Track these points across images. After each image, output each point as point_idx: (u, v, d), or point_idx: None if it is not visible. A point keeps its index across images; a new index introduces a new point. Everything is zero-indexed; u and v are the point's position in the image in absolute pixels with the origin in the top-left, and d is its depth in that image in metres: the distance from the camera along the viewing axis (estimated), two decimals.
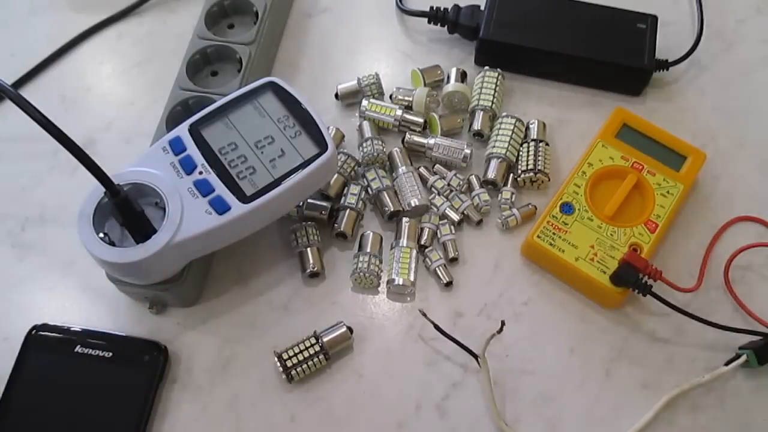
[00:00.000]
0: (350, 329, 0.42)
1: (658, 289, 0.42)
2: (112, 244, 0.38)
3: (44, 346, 0.42)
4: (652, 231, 0.44)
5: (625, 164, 0.46)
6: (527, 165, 0.47)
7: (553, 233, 0.44)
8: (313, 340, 0.41)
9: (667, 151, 0.47)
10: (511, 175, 0.48)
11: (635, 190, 0.46)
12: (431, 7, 0.54)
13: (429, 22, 0.55)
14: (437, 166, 0.49)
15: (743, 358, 0.41)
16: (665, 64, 0.52)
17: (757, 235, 0.47)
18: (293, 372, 0.41)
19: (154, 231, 0.38)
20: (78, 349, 0.41)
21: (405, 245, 0.45)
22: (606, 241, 0.44)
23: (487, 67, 0.51)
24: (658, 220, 0.44)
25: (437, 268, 0.45)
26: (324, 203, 0.46)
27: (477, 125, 0.49)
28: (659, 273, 0.42)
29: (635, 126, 0.48)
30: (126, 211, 0.37)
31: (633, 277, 0.42)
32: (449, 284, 0.45)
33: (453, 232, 0.46)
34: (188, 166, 0.39)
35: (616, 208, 0.45)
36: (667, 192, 0.45)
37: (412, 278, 0.44)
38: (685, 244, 0.46)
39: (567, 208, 0.45)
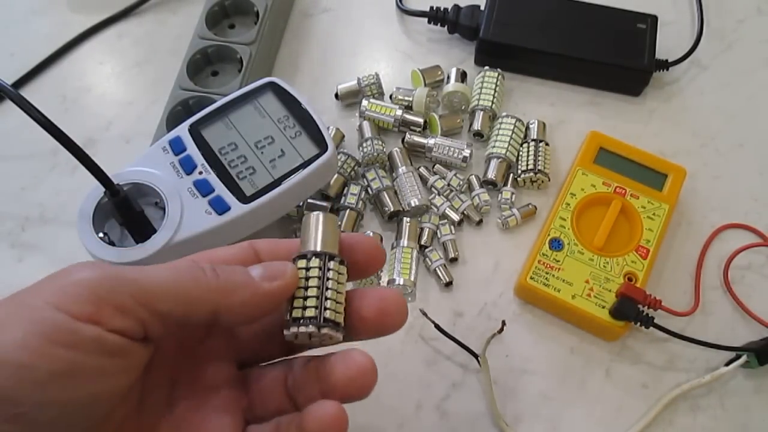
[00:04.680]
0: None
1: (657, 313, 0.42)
2: (111, 244, 0.38)
3: None
4: (645, 257, 0.43)
5: (608, 190, 0.46)
6: (527, 165, 0.47)
7: (546, 272, 0.43)
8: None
9: (647, 171, 0.46)
10: (511, 175, 0.48)
11: (621, 215, 0.45)
12: (431, 7, 0.54)
13: (429, 22, 0.55)
14: (437, 166, 0.49)
15: (743, 358, 0.41)
16: (665, 64, 0.52)
17: (751, 237, 0.47)
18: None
19: (154, 231, 0.38)
20: None
21: (406, 245, 0.45)
22: (600, 274, 0.43)
23: (487, 67, 0.51)
24: (649, 245, 0.44)
25: (437, 268, 0.45)
26: (324, 203, 0.46)
27: (477, 125, 0.49)
28: (659, 302, 0.42)
29: (612, 149, 0.47)
30: (126, 210, 0.38)
31: (633, 310, 0.41)
32: (449, 284, 0.45)
33: (453, 232, 0.46)
34: (188, 166, 0.39)
35: (605, 237, 0.44)
36: (653, 214, 0.45)
37: (412, 278, 0.44)
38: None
39: (556, 244, 0.44)
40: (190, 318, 0.24)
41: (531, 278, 0.43)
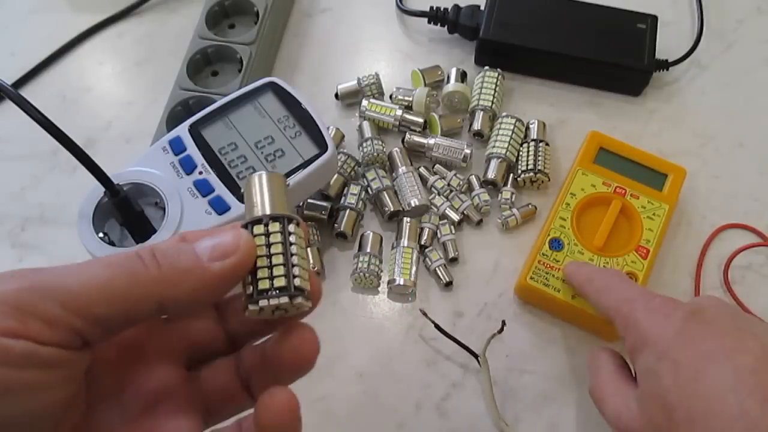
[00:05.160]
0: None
1: None
2: (111, 244, 0.38)
3: None
4: (645, 257, 0.43)
5: (608, 190, 0.45)
6: (527, 165, 0.47)
7: (546, 272, 0.43)
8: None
9: (647, 171, 0.46)
10: (511, 175, 0.48)
11: (621, 215, 0.45)
12: (431, 7, 0.54)
13: (429, 22, 0.55)
14: (437, 166, 0.48)
15: None
16: (665, 64, 0.52)
17: (751, 237, 0.47)
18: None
19: (154, 231, 0.38)
20: None
21: (406, 245, 0.45)
22: None
23: (487, 67, 0.51)
24: (649, 245, 0.44)
25: (437, 268, 0.45)
26: (324, 203, 0.46)
27: (477, 125, 0.49)
28: None
29: (612, 149, 0.47)
30: (126, 210, 0.37)
31: None
32: (449, 284, 0.45)
33: (453, 232, 0.46)
34: (188, 166, 0.39)
35: (605, 237, 0.44)
36: (653, 214, 0.45)
37: (413, 278, 0.44)
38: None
39: (556, 245, 0.44)
40: (132, 317, 0.21)
41: (531, 278, 0.43)
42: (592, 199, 0.45)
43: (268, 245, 0.23)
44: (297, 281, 0.22)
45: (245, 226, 0.23)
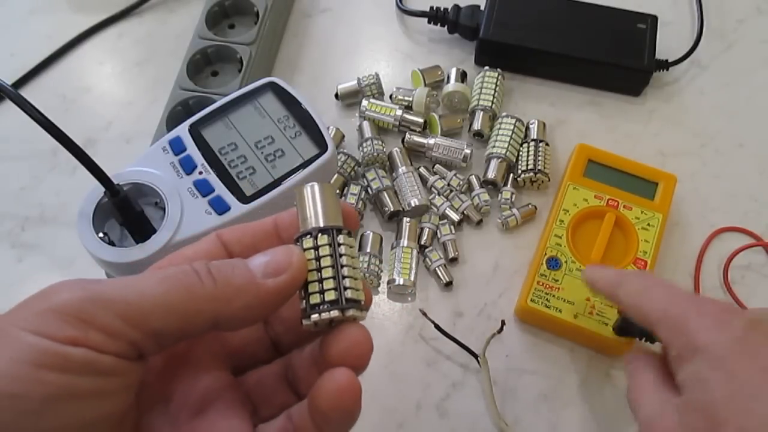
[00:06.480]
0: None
1: None
2: (111, 243, 0.38)
3: None
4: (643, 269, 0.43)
5: (600, 203, 0.45)
6: (527, 165, 0.47)
7: (546, 293, 0.42)
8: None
9: (637, 180, 0.46)
10: (511, 175, 0.48)
11: (616, 228, 0.44)
12: (431, 7, 0.54)
13: (429, 22, 0.55)
14: (437, 166, 0.48)
15: None
16: (665, 64, 0.52)
17: (749, 239, 0.47)
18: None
19: (154, 231, 0.38)
20: None
21: (406, 245, 0.45)
22: None
23: (487, 67, 0.51)
24: (646, 257, 0.43)
25: (437, 268, 0.45)
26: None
27: (477, 125, 0.49)
28: None
29: (601, 160, 0.47)
30: (125, 210, 0.37)
31: (636, 327, 0.40)
32: (449, 284, 0.45)
33: (453, 232, 0.46)
34: (188, 166, 0.39)
35: (602, 252, 0.43)
36: (648, 224, 0.44)
37: (412, 278, 0.44)
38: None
39: (553, 264, 0.43)
40: (187, 332, 0.22)
41: (531, 300, 0.42)
42: (585, 213, 0.45)
43: (318, 259, 0.23)
44: (348, 293, 0.23)
45: (296, 240, 0.24)
